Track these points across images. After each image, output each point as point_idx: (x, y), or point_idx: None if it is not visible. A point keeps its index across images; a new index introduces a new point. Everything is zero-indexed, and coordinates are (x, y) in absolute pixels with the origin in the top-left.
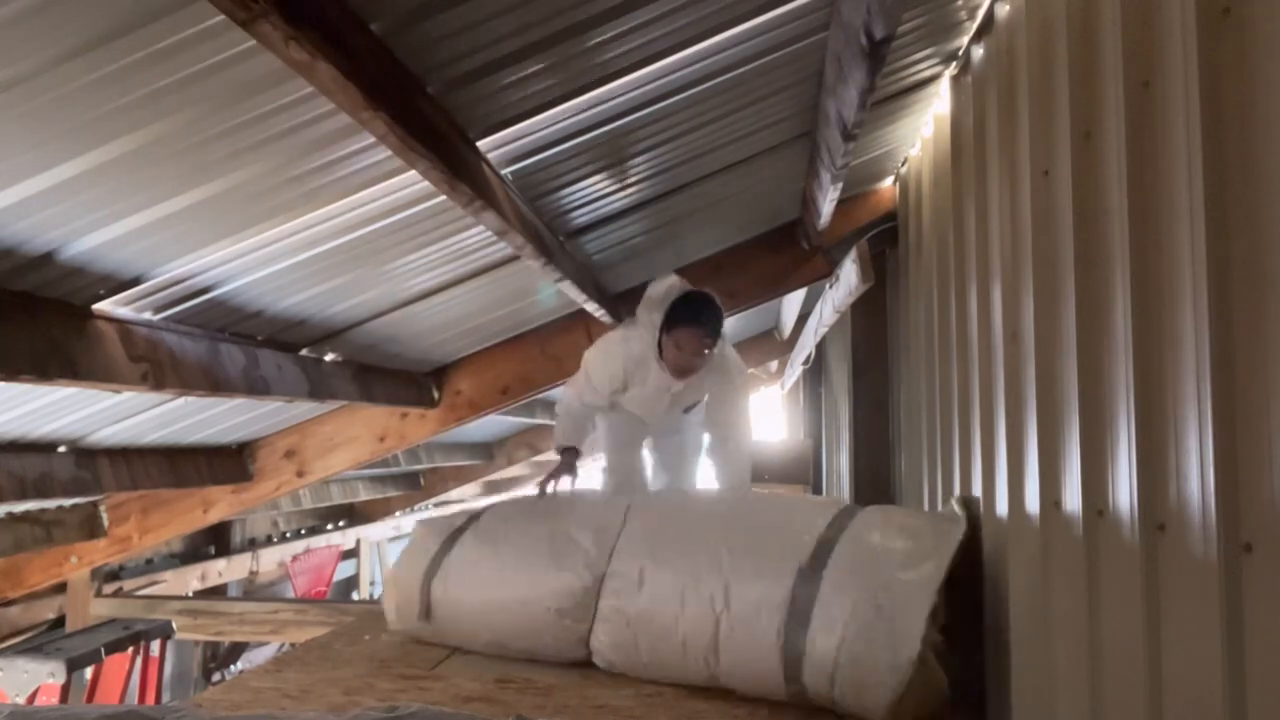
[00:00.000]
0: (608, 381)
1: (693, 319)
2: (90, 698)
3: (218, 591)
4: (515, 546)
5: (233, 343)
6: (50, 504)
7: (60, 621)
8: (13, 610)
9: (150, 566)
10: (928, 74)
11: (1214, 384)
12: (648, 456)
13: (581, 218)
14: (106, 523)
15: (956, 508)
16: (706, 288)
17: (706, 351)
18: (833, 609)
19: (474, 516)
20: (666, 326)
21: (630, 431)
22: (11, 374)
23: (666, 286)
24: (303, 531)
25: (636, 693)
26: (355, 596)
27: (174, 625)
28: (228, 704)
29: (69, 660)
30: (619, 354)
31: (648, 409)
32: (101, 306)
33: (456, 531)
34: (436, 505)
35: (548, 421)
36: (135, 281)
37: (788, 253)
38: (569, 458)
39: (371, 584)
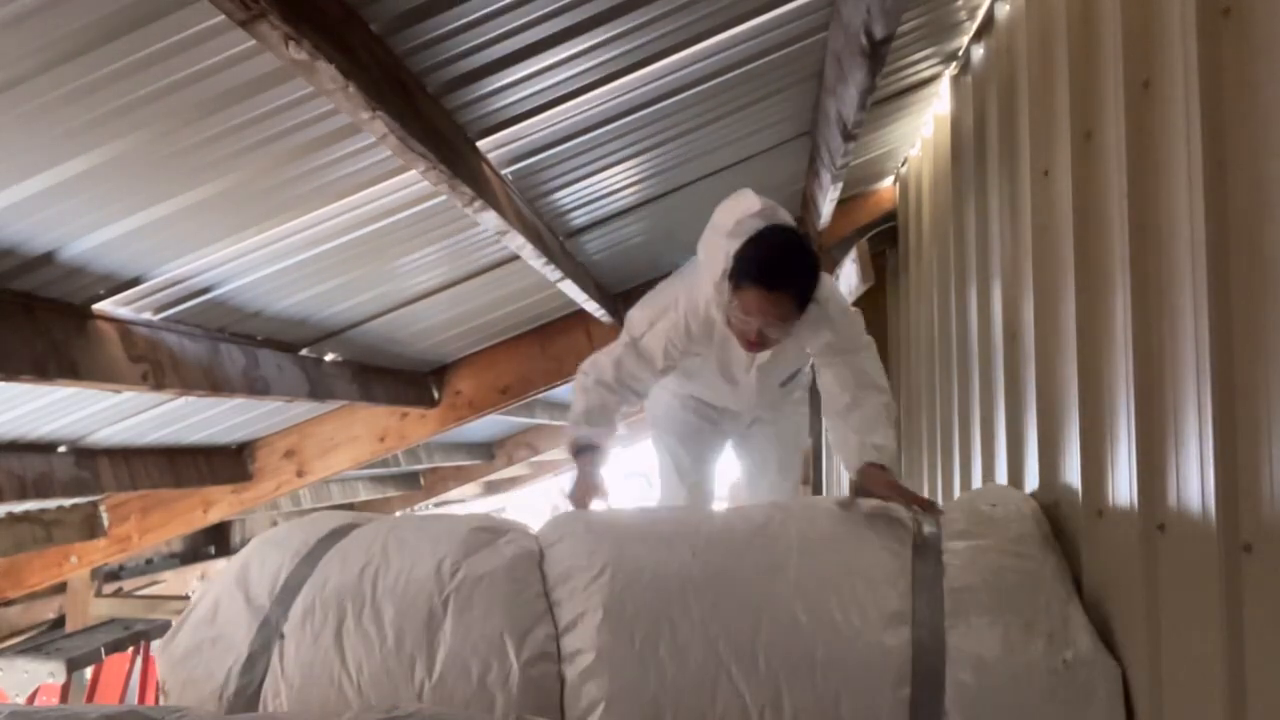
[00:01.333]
0: (663, 350)
1: (768, 277)
2: (90, 698)
3: None
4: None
5: (233, 343)
6: (50, 504)
7: (60, 621)
8: (13, 610)
9: (150, 566)
10: (928, 74)
11: (1214, 384)
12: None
13: (581, 218)
14: (106, 523)
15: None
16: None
17: (785, 322)
18: None
19: (281, 601)
20: (732, 279)
21: (701, 426)
22: (11, 374)
23: (741, 211)
24: None
25: None
26: None
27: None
28: None
29: (69, 660)
30: (681, 307)
31: (727, 389)
32: (101, 306)
33: (265, 628)
34: (437, 505)
35: (548, 421)
36: (135, 281)
37: None
38: (587, 464)
39: None
